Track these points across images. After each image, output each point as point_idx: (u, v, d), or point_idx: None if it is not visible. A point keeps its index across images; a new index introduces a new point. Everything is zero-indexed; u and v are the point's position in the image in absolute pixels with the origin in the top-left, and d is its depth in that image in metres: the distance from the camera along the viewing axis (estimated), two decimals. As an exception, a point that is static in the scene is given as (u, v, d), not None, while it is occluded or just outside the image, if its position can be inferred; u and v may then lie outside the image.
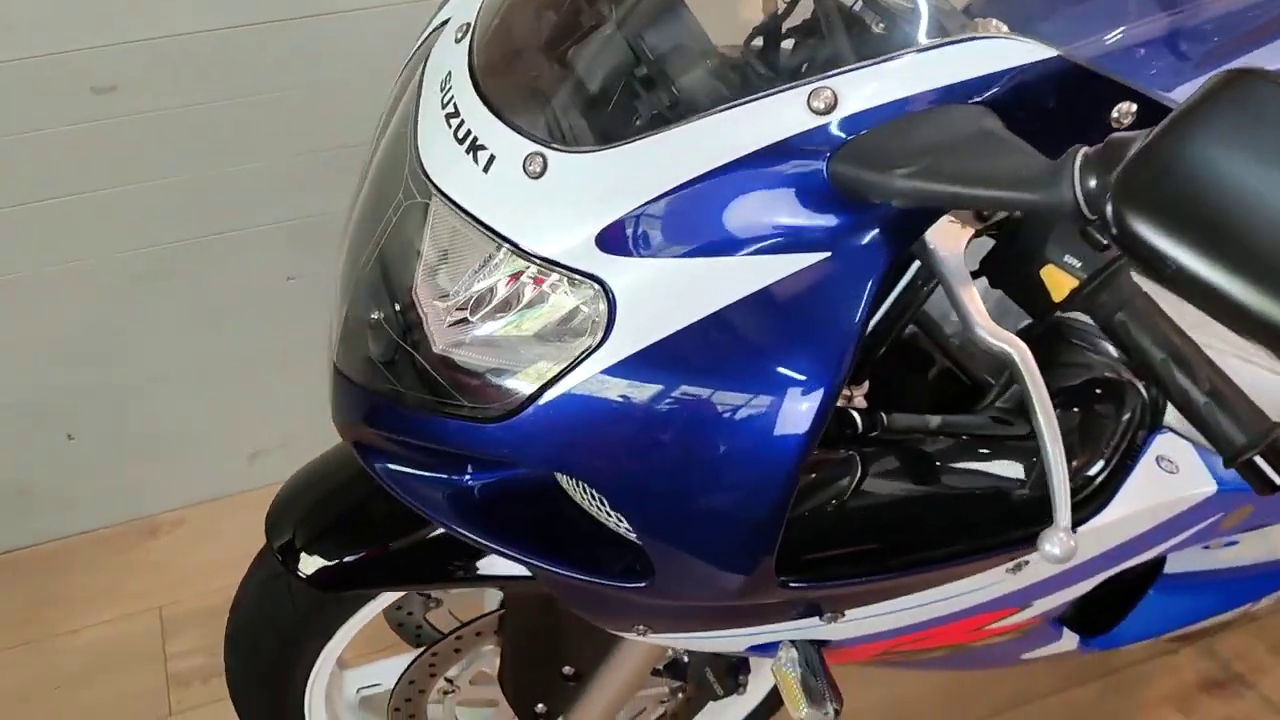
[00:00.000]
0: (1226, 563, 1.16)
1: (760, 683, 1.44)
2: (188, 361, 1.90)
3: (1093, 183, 0.53)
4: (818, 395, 0.70)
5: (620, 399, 0.72)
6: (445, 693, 1.29)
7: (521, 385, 0.74)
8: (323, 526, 1.12)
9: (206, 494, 2.06)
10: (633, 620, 0.91)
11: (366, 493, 1.13)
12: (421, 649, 1.24)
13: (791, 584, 0.79)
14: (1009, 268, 0.77)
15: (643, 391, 0.71)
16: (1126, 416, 0.92)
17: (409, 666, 1.25)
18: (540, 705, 1.25)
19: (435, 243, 0.79)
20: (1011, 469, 0.86)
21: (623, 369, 0.70)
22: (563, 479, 0.85)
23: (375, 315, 0.84)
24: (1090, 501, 0.89)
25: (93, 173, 1.66)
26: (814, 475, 0.80)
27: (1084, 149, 0.54)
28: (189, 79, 1.63)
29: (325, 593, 1.13)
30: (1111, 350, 0.93)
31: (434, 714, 1.33)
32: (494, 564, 1.09)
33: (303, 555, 1.11)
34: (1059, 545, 0.73)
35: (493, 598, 1.29)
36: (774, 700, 1.47)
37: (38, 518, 1.97)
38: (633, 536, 0.80)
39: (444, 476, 0.88)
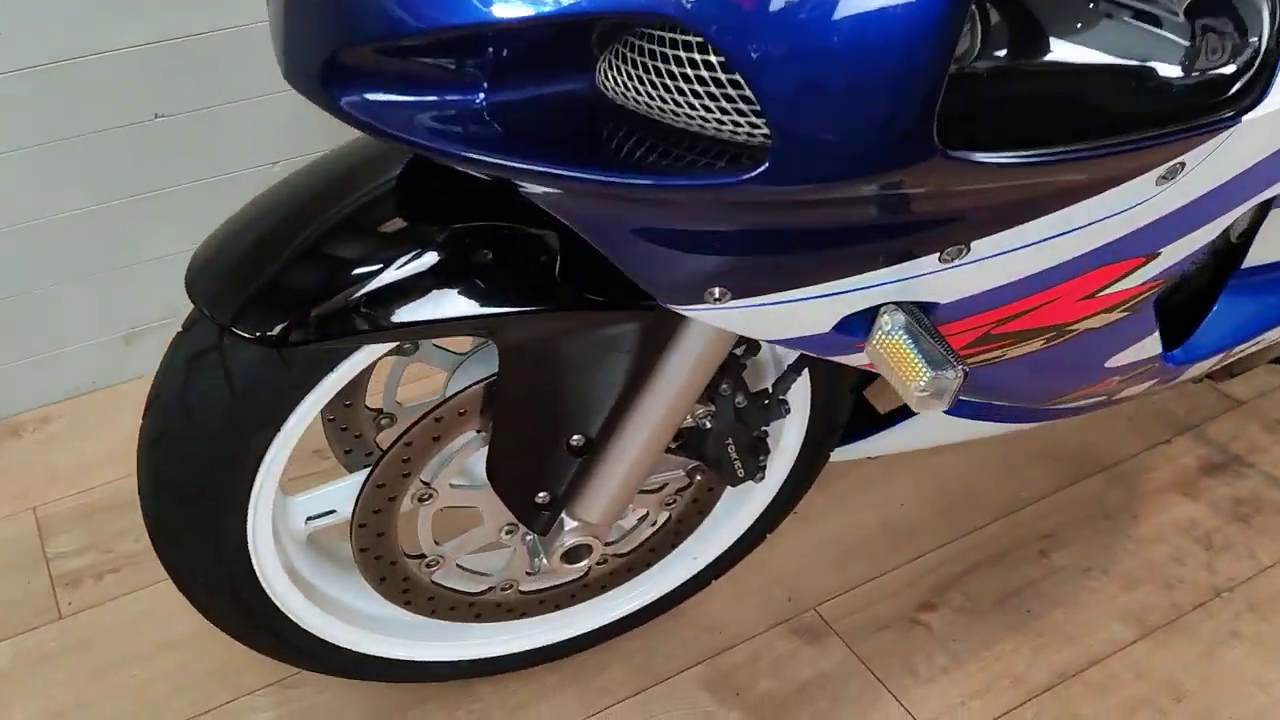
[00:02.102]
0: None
1: (775, 475, 1.26)
2: (38, 227, 1.61)
3: None
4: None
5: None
6: (421, 499, 1.07)
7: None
8: (263, 276, 0.90)
9: (77, 387, 1.77)
10: (708, 279, 0.72)
11: (315, 235, 0.91)
12: (395, 439, 1.02)
13: (952, 153, 0.61)
14: None
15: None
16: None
17: (376, 464, 1.02)
18: (542, 494, 1.05)
19: None
20: (1168, 47, 0.71)
21: None
22: (607, 78, 0.66)
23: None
24: (1249, 93, 0.74)
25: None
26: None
27: None
28: None
29: (275, 349, 0.91)
30: None
31: (407, 536, 1.11)
32: (485, 302, 0.89)
33: (240, 312, 0.88)
34: None
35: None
36: (789, 498, 1.30)
37: None
38: (723, 123, 0.61)
39: (446, 97, 0.67)
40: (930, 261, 0.74)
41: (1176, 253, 0.85)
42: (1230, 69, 0.73)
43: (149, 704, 1.33)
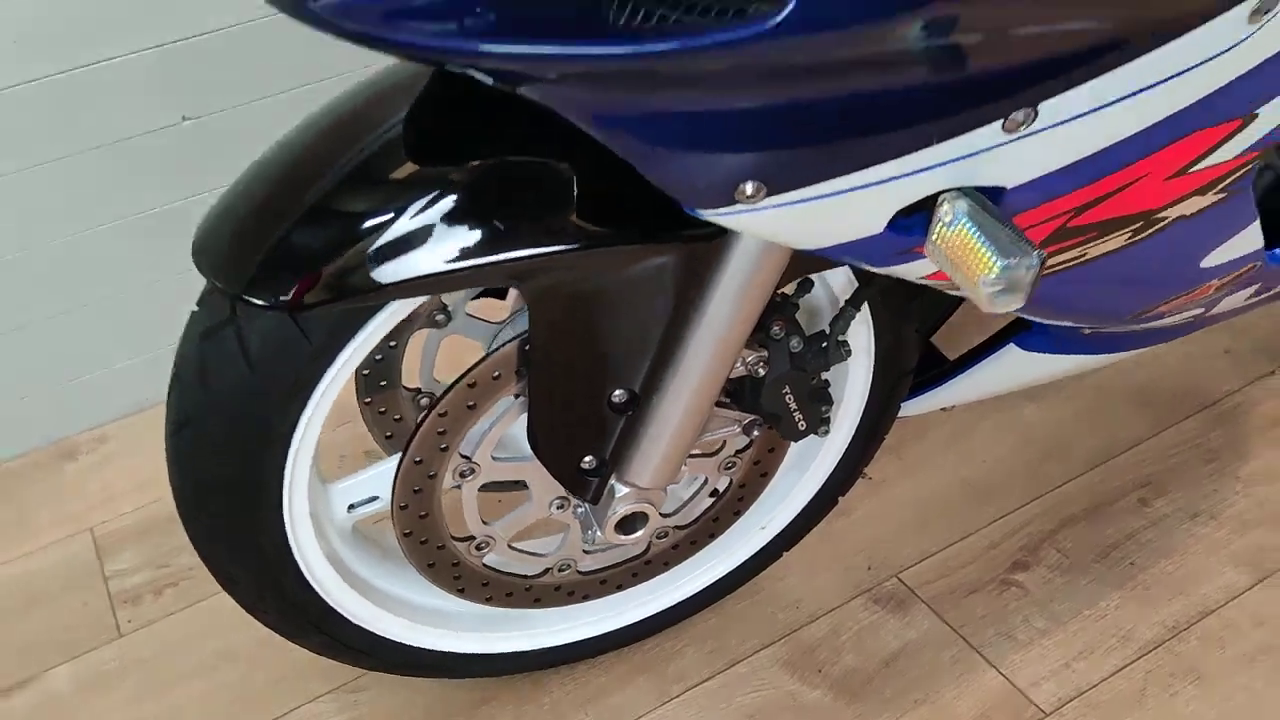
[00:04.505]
0: None
1: (842, 430, 1.18)
2: (76, 242, 1.58)
3: None
4: None
5: None
6: (464, 475, 1.01)
7: None
8: (271, 239, 0.84)
9: (130, 405, 1.75)
10: (738, 171, 0.64)
11: (321, 192, 0.86)
12: (427, 410, 0.96)
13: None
14: None
15: None
16: None
17: (411, 439, 0.96)
18: (587, 458, 0.98)
19: None
20: None
21: None
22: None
23: None
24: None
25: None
26: None
27: None
28: None
29: (290, 313, 0.85)
30: None
31: (454, 519, 1.05)
32: (504, 246, 0.82)
33: (251, 280, 0.83)
34: None
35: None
36: (859, 456, 1.22)
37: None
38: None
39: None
40: (992, 132, 0.65)
41: (1276, 113, 0.75)
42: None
43: (211, 717, 1.29)
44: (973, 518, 1.41)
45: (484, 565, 1.10)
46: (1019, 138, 0.66)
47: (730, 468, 1.13)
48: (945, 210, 0.68)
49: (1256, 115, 0.75)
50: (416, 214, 0.82)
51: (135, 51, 1.49)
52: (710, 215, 0.67)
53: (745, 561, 1.27)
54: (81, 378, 1.70)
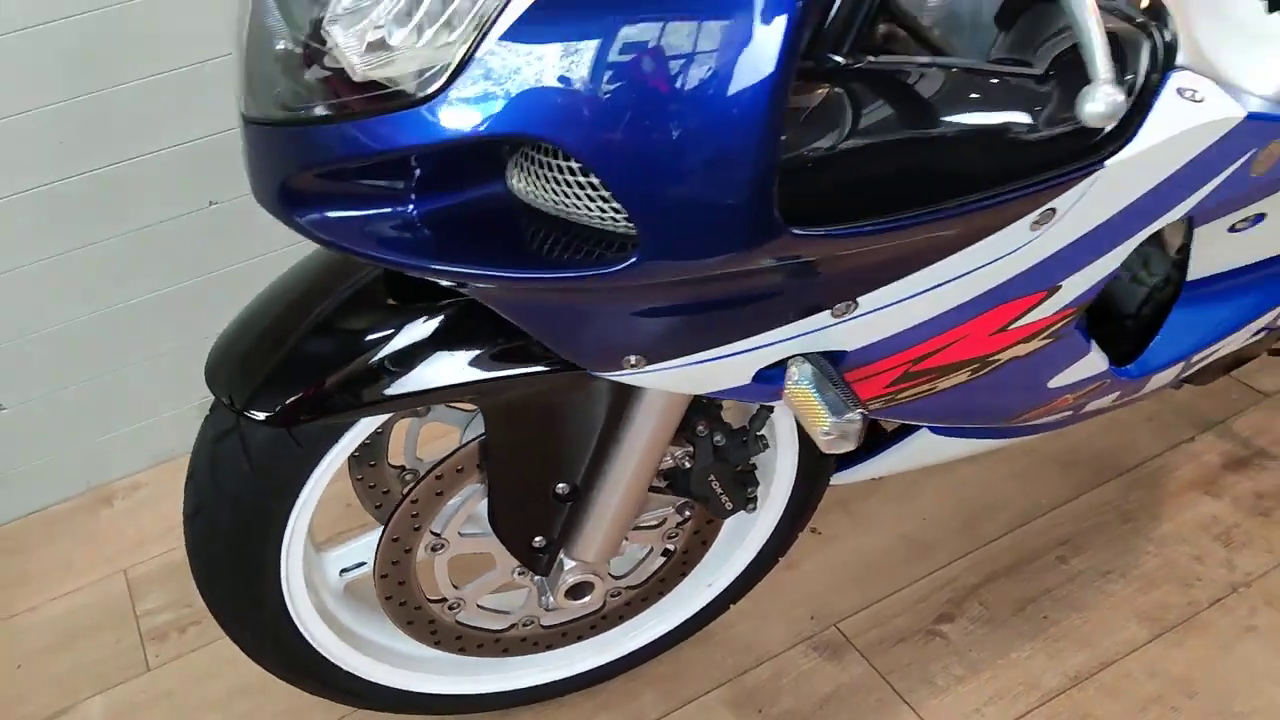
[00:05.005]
0: (1260, 254, 1.08)
1: (775, 501, 1.34)
2: (116, 313, 1.78)
3: None
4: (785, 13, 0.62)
5: (563, 32, 0.63)
6: (434, 549, 1.18)
7: (454, 47, 0.65)
8: (270, 365, 1.02)
9: (161, 454, 1.94)
10: (622, 349, 0.81)
11: (311, 324, 1.03)
12: (402, 496, 1.13)
13: (798, 231, 0.69)
14: None
15: (586, 20, 0.62)
16: (1140, 57, 0.84)
17: (388, 520, 1.14)
18: (537, 538, 1.15)
19: None
20: (1022, 105, 0.78)
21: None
22: (516, 181, 0.75)
23: (281, 44, 0.75)
24: (1115, 138, 0.81)
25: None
26: (802, 111, 0.71)
27: None
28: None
29: (284, 428, 1.03)
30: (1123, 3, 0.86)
31: (427, 582, 1.22)
32: (460, 372, 0.99)
33: (251, 398, 1.00)
34: (1102, 100, 0.65)
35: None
36: (793, 521, 1.38)
37: (-24, 503, 1.84)
38: (605, 218, 0.70)
39: (382, 210, 0.78)
40: (824, 317, 0.81)
41: (1079, 284, 0.90)
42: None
43: (227, 745, 1.47)
44: (908, 572, 1.57)
45: (457, 622, 1.27)
46: (846, 320, 0.82)
47: (673, 538, 1.30)
48: (793, 372, 0.85)
49: (1060, 286, 0.90)
50: (390, 345, 0.99)
51: (168, 147, 1.68)
52: (607, 376, 0.84)
53: (696, 614, 1.44)
54: (118, 430, 1.89)
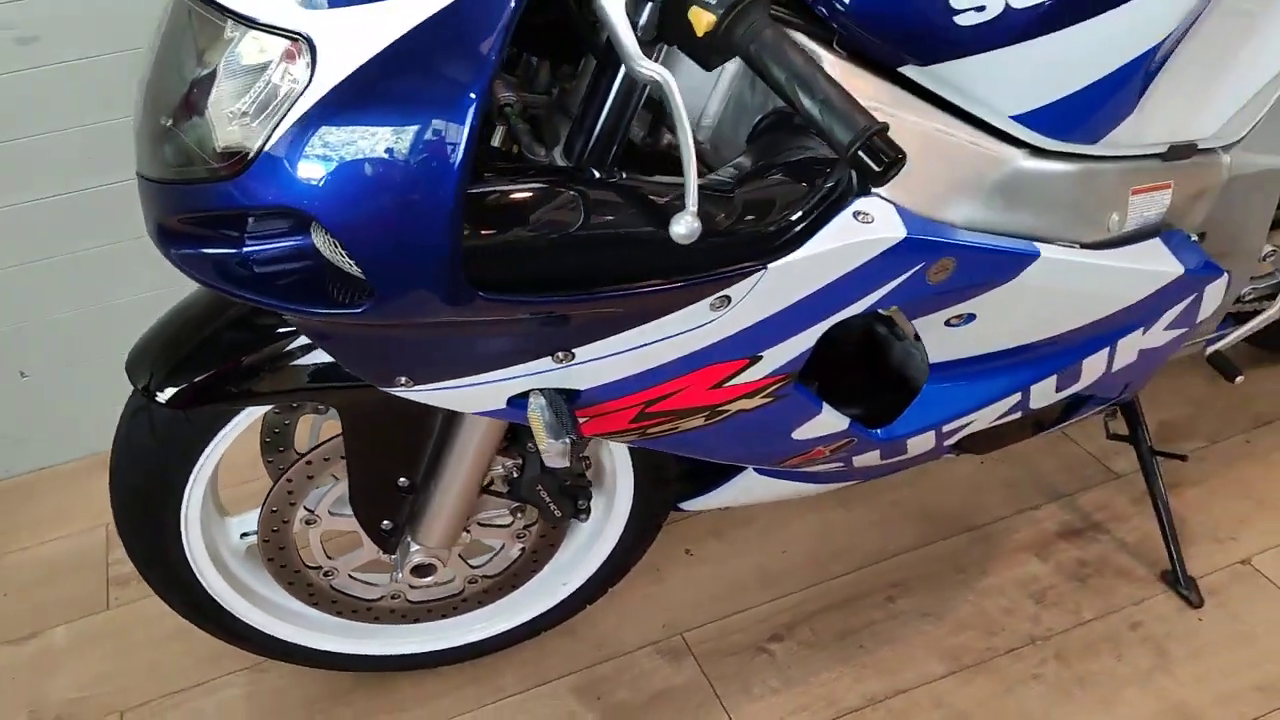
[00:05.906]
0: (982, 348, 1.28)
1: (617, 517, 1.56)
2: (137, 292, 2.08)
3: None
4: (463, 123, 0.85)
5: (324, 131, 0.87)
6: (308, 523, 1.43)
7: (258, 138, 0.90)
8: (176, 358, 1.28)
9: (154, 430, 2.23)
10: (395, 370, 1.05)
11: (216, 327, 1.30)
12: (279, 475, 1.39)
13: (485, 296, 0.93)
14: (666, 16, 0.91)
15: (337, 123, 0.87)
16: (830, 184, 1.06)
17: (269, 493, 1.39)
18: (386, 522, 1.40)
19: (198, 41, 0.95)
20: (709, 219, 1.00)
21: (321, 108, 0.87)
22: (315, 235, 1.00)
23: (164, 120, 1.01)
24: (789, 246, 1.03)
25: (20, 120, 1.86)
26: (488, 202, 0.94)
27: None
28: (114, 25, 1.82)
29: (179, 410, 1.29)
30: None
31: (306, 551, 1.48)
32: (311, 377, 1.25)
33: (159, 385, 1.27)
34: (684, 224, 0.87)
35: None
36: (638, 537, 1.60)
37: (-4, 455, 2.15)
38: (355, 271, 0.95)
39: (227, 251, 1.03)
40: (548, 362, 1.05)
41: (779, 356, 1.11)
42: (767, 227, 1.02)
43: (160, 677, 1.73)
44: (756, 595, 1.78)
45: (331, 587, 1.52)
46: (567, 366, 1.05)
47: (523, 538, 1.54)
48: (530, 401, 1.08)
49: (761, 356, 1.11)
50: (263, 351, 1.25)
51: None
52: (387, 390, 1.09)
53: (554, 607, 1.67)
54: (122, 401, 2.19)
